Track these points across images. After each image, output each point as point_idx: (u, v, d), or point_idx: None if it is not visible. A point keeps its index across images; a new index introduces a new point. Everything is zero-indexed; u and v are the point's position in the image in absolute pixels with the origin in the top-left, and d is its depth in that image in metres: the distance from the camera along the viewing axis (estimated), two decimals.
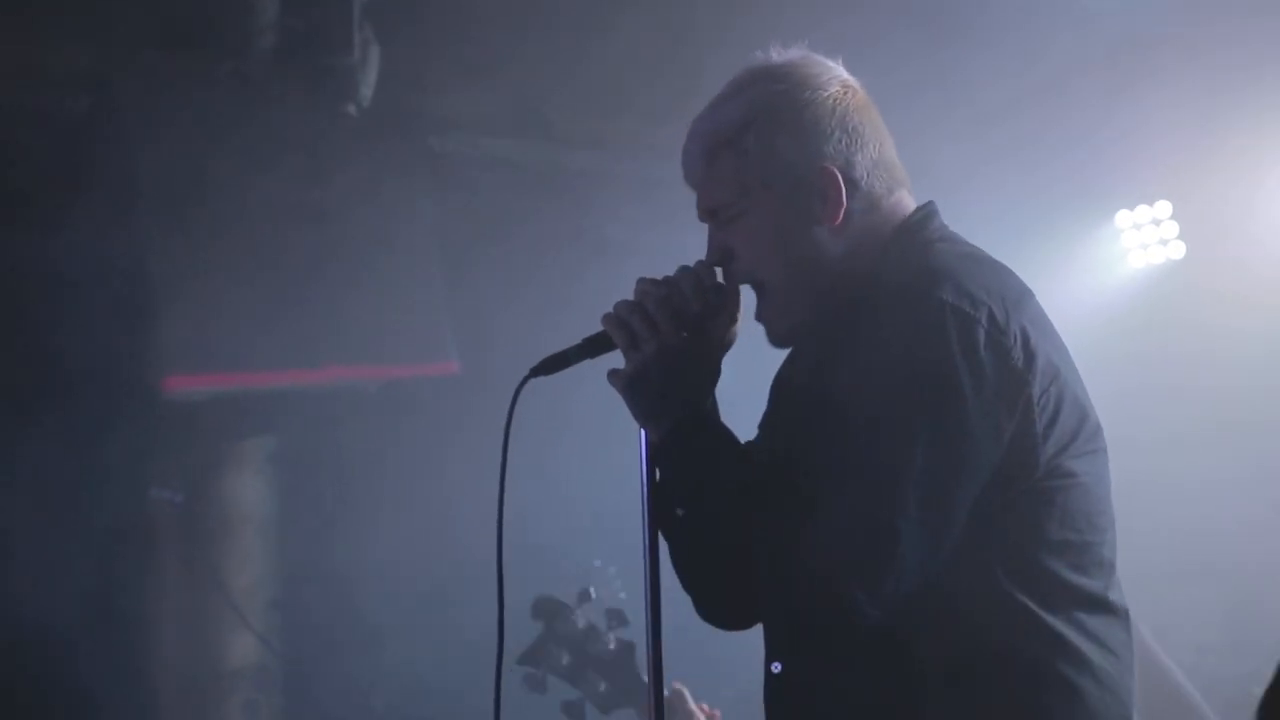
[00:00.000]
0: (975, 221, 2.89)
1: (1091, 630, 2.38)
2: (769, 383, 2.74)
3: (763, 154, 2.53)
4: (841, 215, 2.51)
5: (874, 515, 2.24)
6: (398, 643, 6.63)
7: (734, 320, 2.57)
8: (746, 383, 2.55)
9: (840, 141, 2.54)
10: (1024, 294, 2.42)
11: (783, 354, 2.73)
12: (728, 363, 2.56)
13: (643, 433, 2.52)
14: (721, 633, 2.71)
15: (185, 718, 6.34)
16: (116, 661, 5.98)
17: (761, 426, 2.68)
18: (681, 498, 2.48)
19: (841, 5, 5.45)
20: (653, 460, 2.50)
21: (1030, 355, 2.33)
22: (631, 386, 2.49)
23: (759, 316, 2.58)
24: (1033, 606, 2.34)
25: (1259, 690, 1.67)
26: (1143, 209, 7.18)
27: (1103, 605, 2.41)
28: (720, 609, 2.65)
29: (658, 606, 2.46)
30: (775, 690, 2.54)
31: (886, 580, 2.25)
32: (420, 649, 6.51)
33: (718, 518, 2.40)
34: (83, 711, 5.90)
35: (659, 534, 2.51)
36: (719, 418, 2.50)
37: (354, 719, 6.51)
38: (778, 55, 2.62)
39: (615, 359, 2.52)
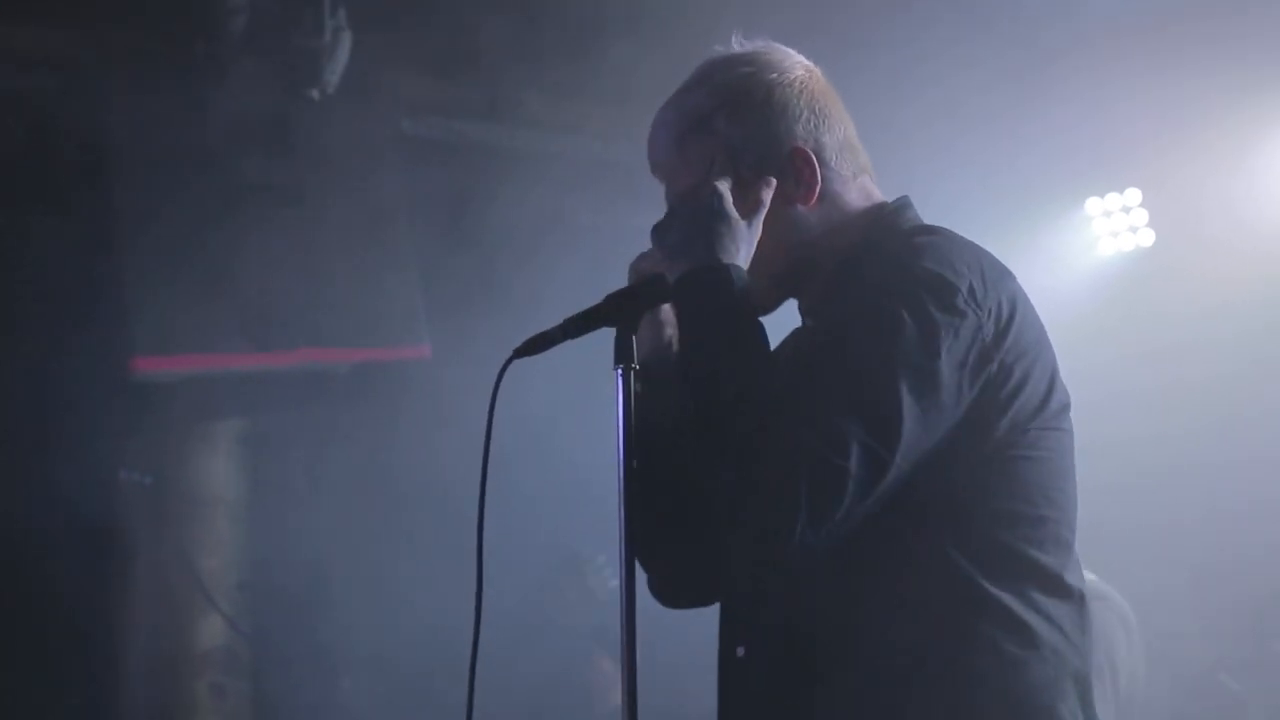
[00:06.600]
0: (945, 207, 2.89)
1: (1039, 605, 2.38)
2: None
3: (733, 136, 2.54)
4: (816, 196, 2.54)
5: (832, 441, 2.23)
6: (367, 625, 6.63)
7: None
8: None
9: (809, 122, 2.56)
10: (1004, 273, 2.45)
11: None
12: None
13: (620, 417, 2.49)
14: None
15: (152, 700, 6.32)
16: (83, 643, 5.97)
17: None
18: (693, 350, 2.43)
19: None
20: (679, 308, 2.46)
21: (1002, 331, 2.35)
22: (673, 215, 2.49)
23: None
24: (979, 578, 2.35)
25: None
26: (1113, 196, 7.21)
27: (1056, 584, 2.41)
28: (671, 573, 2.61)
29: (632, 591, 2.45)
30: (737, 675, 2.52)
31: (831, 505, 2.23)
32: (389, 632, 6.51)
33: (718, 378, 2.35)
34: (49, 693, 5.89)
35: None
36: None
37: (322, 701, 6.50)
38: (739, 45, 2.64)
39: (599, 338, 2.51)
